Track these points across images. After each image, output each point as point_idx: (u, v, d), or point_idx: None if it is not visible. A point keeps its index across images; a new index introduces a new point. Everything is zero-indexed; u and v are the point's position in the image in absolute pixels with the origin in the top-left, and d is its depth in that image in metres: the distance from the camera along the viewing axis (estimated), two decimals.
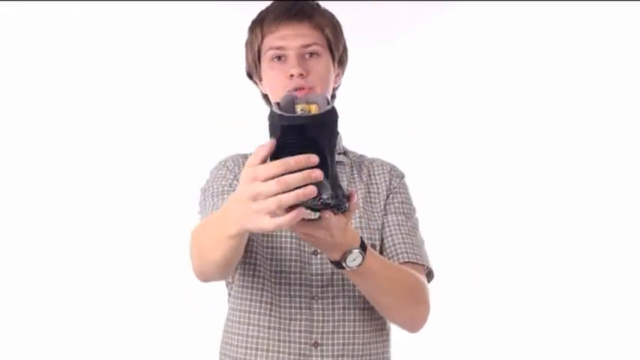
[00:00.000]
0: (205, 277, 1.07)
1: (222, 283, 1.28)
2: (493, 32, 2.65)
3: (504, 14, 2.63)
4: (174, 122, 2.59)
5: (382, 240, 1.23)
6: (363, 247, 1.00)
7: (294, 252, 1.19)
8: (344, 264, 0.99)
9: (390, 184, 1.27)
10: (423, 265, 1.21)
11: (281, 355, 1.16)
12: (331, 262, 1.01)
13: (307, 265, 1.19)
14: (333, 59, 1.25)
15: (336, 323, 1.17)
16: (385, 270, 1.07)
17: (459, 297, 2.45)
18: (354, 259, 0.98)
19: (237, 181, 1.23)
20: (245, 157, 1.30)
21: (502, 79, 2.62)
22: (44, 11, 2.48)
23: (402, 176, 1.31)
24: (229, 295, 1.27)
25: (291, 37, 1.19)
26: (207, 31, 2.63)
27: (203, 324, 2.14)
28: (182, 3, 2.63)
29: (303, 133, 0.80)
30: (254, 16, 1.27)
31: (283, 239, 1.20)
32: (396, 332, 1.26)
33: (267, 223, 0.79)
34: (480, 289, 2.52)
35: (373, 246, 1.20)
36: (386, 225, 1.23)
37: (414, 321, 1.17)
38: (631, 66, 2.44)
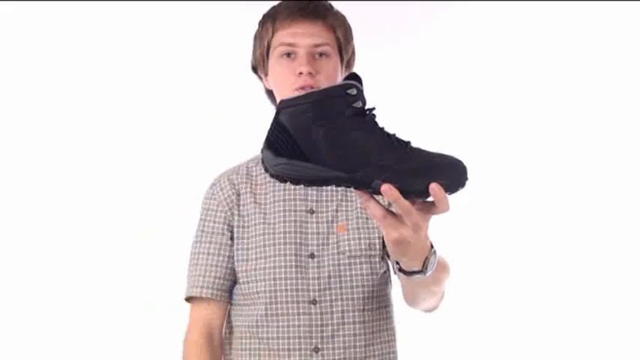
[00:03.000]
0: None
1: None
2: (493, 32, 2.65)
3: (504, 14, 2.64)
4: (173, 121, 2.58)
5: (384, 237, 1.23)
6: (432, 246, 0.93)
7: (290, 257, 1.19)
8: (425, 271, 0.92)
9: None
10: None
11: None
12: (405, 272, 0.94)
13: (304, 270, 1.18)
14: (342, 61, 1.25)
15: (335, 327, 1.16)
16: (438, 269, 1.01)
17: (462, 297, 2.46)
18: (432, 262, 0.93)
19: (236, 208, 1.25)
20: (237, 169, 1.31)
21: (502, 79, 2.62)
22: (44, 11, 2.44)
23: None
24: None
25: (303, 35, 1.19)
26: (206, 30, 2.61)
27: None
28: (181, 3, 2.62)
29: (277, 119, 0.86)
30: (252, 16, 1.28)
31: (282, 246, 1.19)
32: (401, 331, 1.27)
33: None
34: (484, 288, 2.52)
35: (372, 244, 1.20)
36: None
37: (435, 308, 1.20)
38: (631, 66, 2.46)
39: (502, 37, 2.65)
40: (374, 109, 0.85)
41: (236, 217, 1.25)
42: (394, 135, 0.84)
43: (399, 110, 2.69)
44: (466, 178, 0.83)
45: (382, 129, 0.84)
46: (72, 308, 2.41)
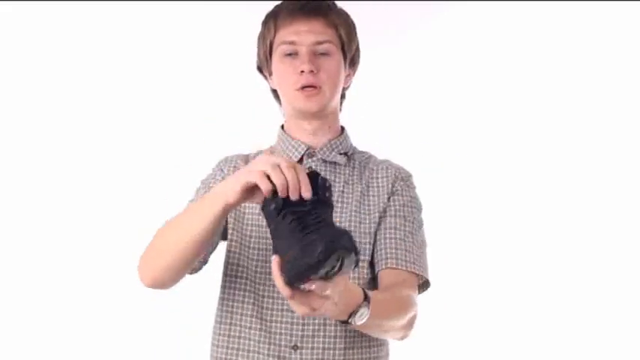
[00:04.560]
0: (161, 274, 1.15)
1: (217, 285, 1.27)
2: (492, 33, 2.65)
3: (504, 15, 2.63)
4: (173, 122, 2.57)
5: (374, 243, 1.20)
6: (367, 298, 0.98)
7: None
8: (352, 321, 0.98)
9: (393, 187, 1.24)
10: (415, 274, 1.17)
11: (260, 356, 1.14)
12: (339, 321, 1.01)
13: None
14: (345, 59, 1.24)
15: (316, 327, 1.15)
16: (384, 311, 1.04)
17: (460, 301, 2.46)
18: (361, 314, 0.97)
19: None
20: (246, 157, 1.30)
21: (501, 79, 2.62)
22: (44, 11, 2.45)
23: (408, 177, 1.27)
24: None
25: (304, 33, 1.18)
26: (207, 31, 2.61)
27: (199, 328, 2.14)
28: (181, 3, 2.61)
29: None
30: (253, 16, 1.28)
31: (268, 241, 1.19)
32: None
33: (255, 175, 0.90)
34: (481, 293, 2.52)
35: (362, 249, 1.18)
36: (382, 227, 1.20)
37: (402, 338, 1.17)
38: (631, 66, 2.45)
39: (501, 38, 2.64)
40: (290, 206, 0.89)
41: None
42: (302, 218, 0.87)
43: (399, 110, 2.69)
44: (313, 259, 0.80)
45: (287, 221, 0.88)
46: (72, 308, 2.41)
